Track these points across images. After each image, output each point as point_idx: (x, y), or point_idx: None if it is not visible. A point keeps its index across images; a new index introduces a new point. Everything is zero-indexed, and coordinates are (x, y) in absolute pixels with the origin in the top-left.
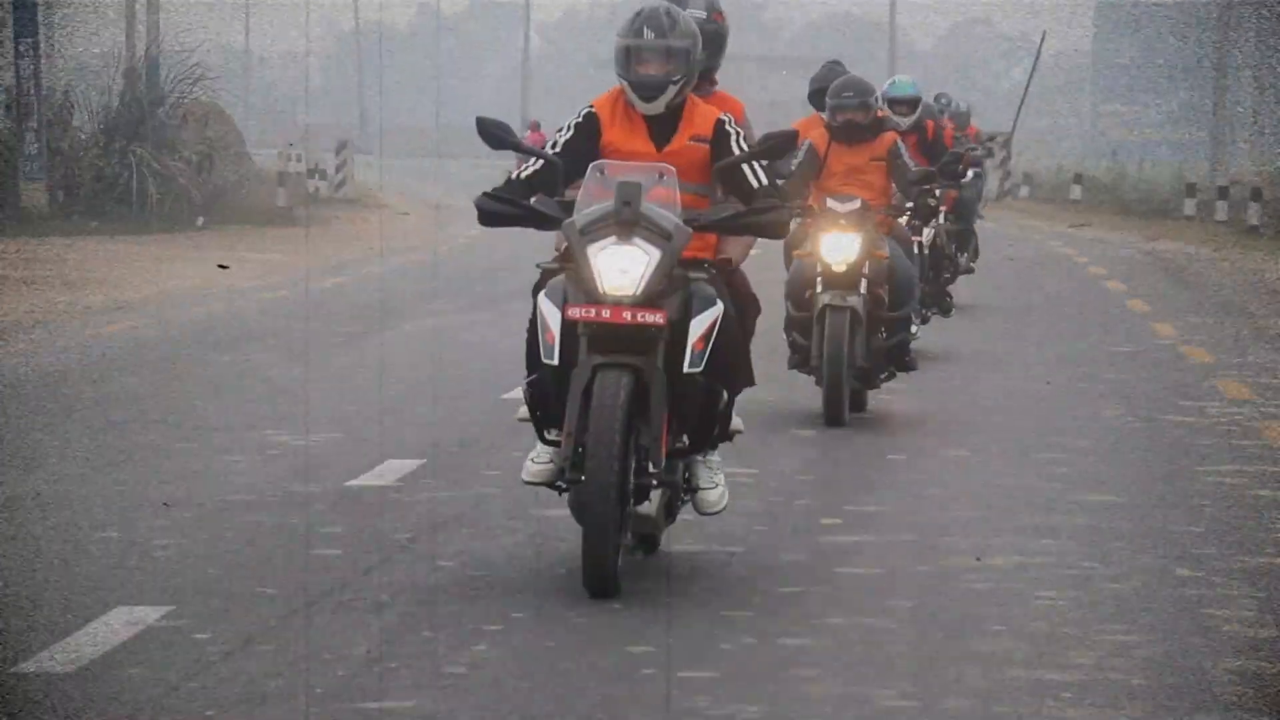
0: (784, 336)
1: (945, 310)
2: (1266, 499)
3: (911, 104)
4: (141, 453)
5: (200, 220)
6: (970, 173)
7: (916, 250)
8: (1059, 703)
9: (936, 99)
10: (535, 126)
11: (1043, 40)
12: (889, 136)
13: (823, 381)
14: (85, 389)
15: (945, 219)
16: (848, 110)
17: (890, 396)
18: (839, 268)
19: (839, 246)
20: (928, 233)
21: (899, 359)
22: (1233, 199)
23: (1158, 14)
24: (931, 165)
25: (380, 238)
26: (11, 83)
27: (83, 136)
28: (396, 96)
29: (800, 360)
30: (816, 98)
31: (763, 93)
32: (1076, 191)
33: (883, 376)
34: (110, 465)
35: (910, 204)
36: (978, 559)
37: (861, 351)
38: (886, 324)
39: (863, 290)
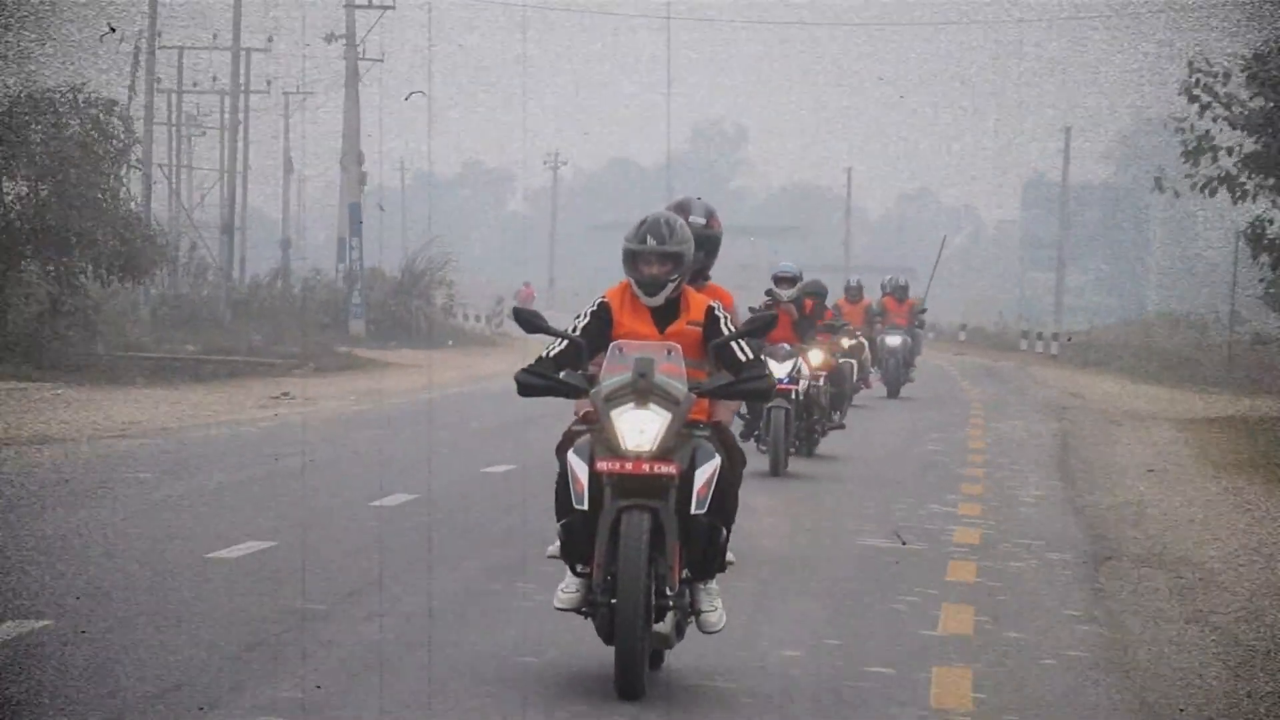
0: None
1: (809, 451)
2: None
3: (793, 280)
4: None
5: (450, 342)
6: (899, 339)
7: (793, 397)
8: None
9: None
10: (526, 285)
11: (943, 243)
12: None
13: None
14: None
15: (824, 383)
16: None
17: None
18: None
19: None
20: (804, 383)
21: None
22: (1044, 339)
23: (1073, 193)
24: (802, 338)
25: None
26: (345, 262)
27: (385, 293)
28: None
29: None
30: None
31: (731, 258)
32: (962, 335)
33: None
34: None
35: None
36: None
37: None
38: None
39: None
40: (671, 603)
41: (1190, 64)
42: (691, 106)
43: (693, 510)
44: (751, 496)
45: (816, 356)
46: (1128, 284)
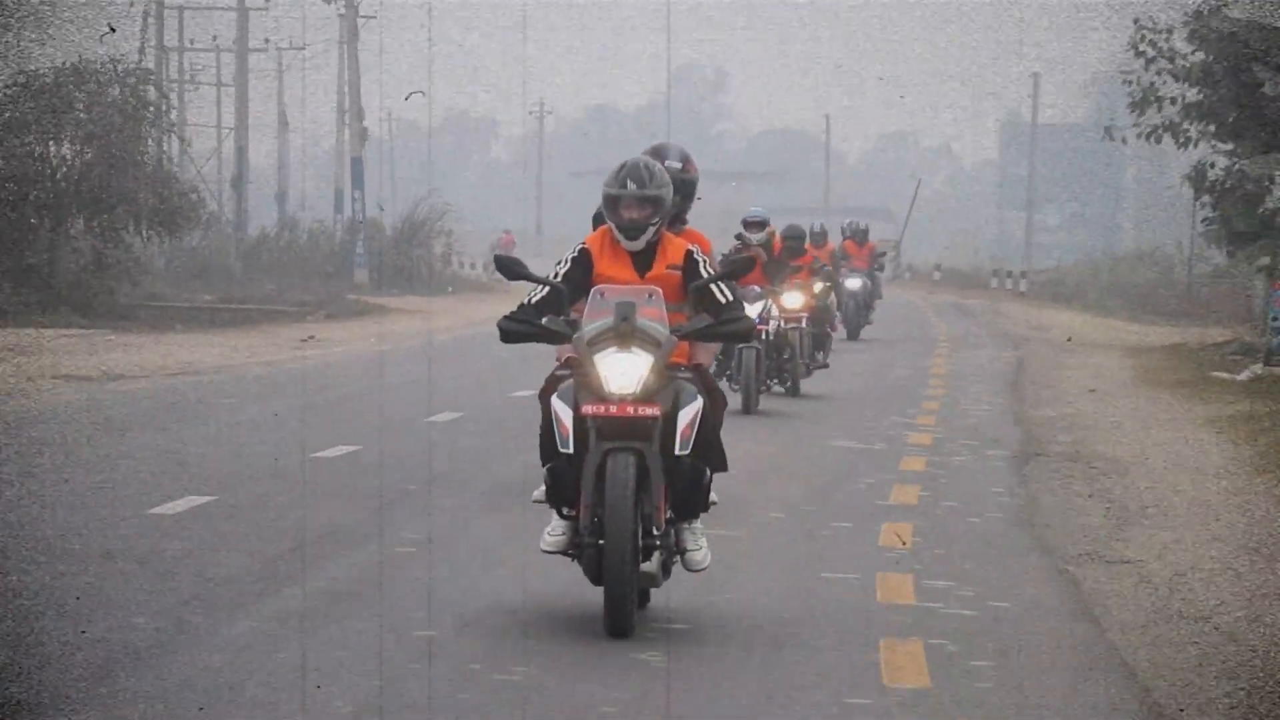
0: None
1: (794, 391)
2: None
3: (762, 224)
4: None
5: (450, 289)
6: (859, 282)
7: (764, 337)
8: None
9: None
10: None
11: (918, 186)
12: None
13: None
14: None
15: (806, 324)
16: None
17: None
18: None
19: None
20: (773, 324)
21: None
22: (1014, 277)
23: (1049, 134)
24: (772, 280)
25: None
26: (348, 214)
27: (386, 242)
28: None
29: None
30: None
31: (714, 203)
32: (937, 275)
33: None
34: None
35: None
36: None
37: None
38: None
39: None
40: (658, 543)
41: (1136, 22)
42: (672, 52)
43: (677, 451)
44: (726, 432)
45: (796, 299)
46: (1101, 222)
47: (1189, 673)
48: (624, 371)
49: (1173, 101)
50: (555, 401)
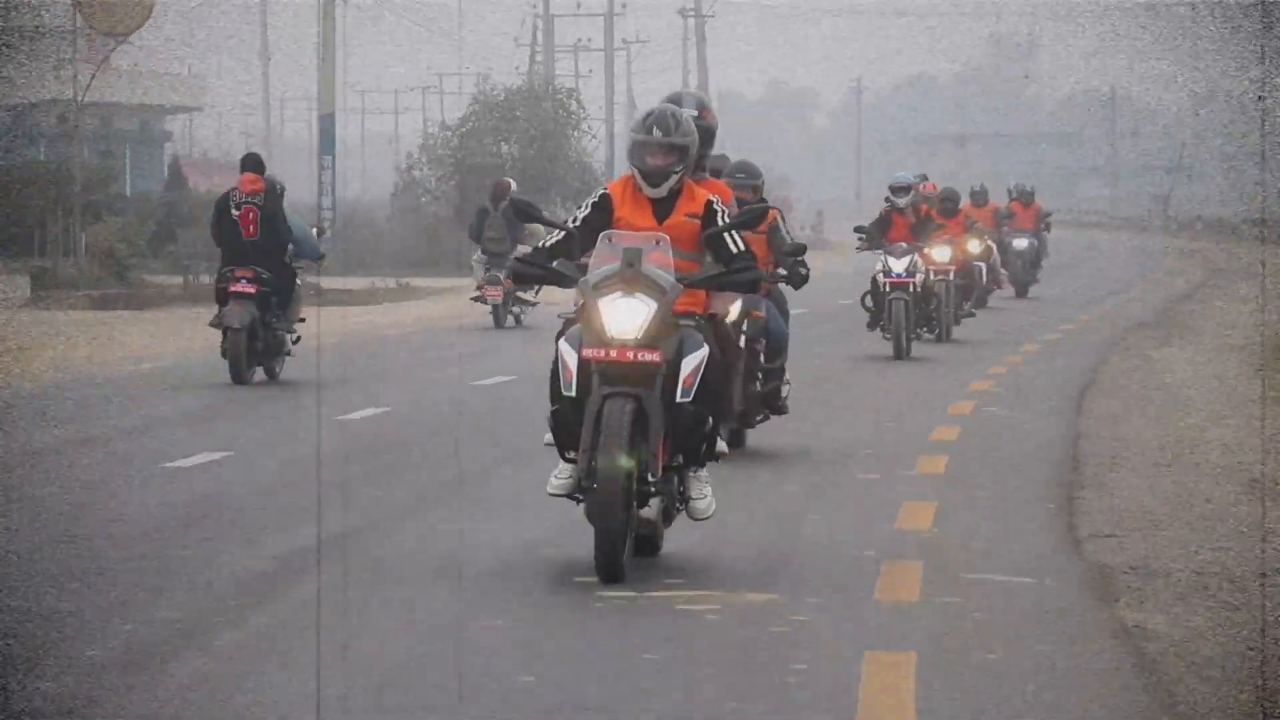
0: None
1: (945, 337)
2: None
3: (907, 189)
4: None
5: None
6: (1025, 242)
7: (911, 290)
8: None
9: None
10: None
11: (1182, 147)
12: (770, 213)
13: None
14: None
15: (953, 276)
16: (739, 189)
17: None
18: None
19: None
20: (919, 276)
21: (773, 404)
22: (1259, 224)
23: None
24: (918, 238)
25: None
26: None
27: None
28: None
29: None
30: None
31: (1026, 165)
32: (1199, 225)
33: (759, 418)
34: None
35: (784, 271)
36: None
37: (739, 396)
38: (763, 373)
39: (742, 344)
40: (654, 489)
41: None
42: (984, 20)
43: (678, 398)
44: (878, 377)
45: (944, 253)
46: None
47: (1116, 426)
48: (627, 316)
49: None
50: (561, 344)
